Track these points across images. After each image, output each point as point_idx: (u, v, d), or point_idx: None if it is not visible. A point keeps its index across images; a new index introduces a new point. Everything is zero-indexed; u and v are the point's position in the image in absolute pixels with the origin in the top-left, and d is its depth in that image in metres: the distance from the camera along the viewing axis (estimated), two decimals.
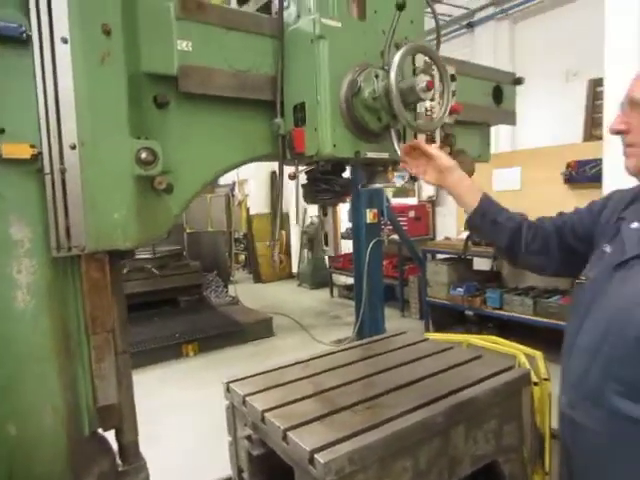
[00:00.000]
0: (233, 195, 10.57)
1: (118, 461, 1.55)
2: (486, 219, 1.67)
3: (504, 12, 6.68)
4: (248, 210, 11.47)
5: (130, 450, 1.54)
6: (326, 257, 9.90)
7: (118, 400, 1.42)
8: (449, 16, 7.08)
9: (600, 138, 4.73)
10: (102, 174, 1.25)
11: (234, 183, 11.05)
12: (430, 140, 1.70)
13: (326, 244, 1.78)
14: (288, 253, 11.36)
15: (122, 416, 1.48)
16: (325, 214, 1.76)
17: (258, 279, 11.11)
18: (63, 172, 1.21)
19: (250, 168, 10.94)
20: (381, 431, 1.60)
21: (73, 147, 1.22)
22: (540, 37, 6.40)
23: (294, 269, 11.22)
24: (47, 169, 1.21)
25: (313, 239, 9.87)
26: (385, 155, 1.62)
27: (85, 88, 1.22)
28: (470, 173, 1.82)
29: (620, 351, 1.31)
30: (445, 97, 1.57)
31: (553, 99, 6.16)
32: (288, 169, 1.67)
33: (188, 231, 8.80)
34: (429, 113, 1.54)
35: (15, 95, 1.20)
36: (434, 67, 1.55)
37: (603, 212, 1.57)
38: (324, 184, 1.68)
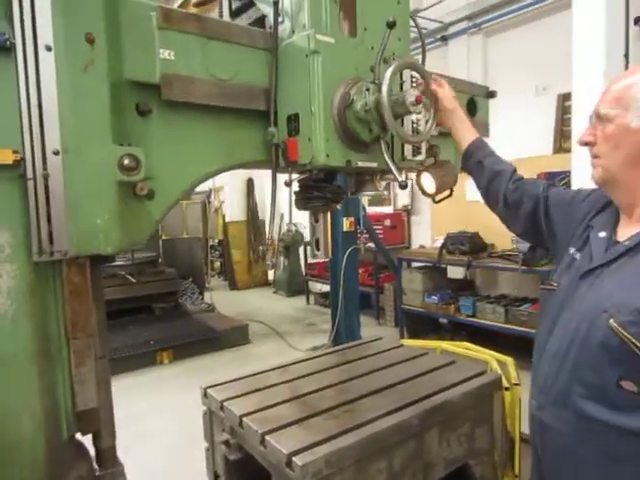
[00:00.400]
0: (209, 202, 10.54)
1: (95, 466, 1.55)
2: (473, 159, 1.78)
3: (477, 26, 6.84)
4: (224, 217, 11.43)
5: (108, 455, 1.54)
6: (302, 264, 9.94)
7: (97, 404, 1.43)
8: (424, 29, 7.22)
9: (569, 151, 4.88)
10: (85, 180, 1.26)
11: (210, 190, 11.01)
12: (416, 151, 1.76)
13: (317, 249, 1.83)
14: (264, 260, 11.35)
15: (100, 421, 1.48)
16: (317, 220, 1.81)
17: (234, 286, 11.06)
18: (46, 178, 1.22)
19: (226, 175, 10.91)
20: (358, 434, 1.64)
21: (56, 153, 1.23)
22: (511, 52, 6.57)
23: (270, 276, 11.21)
24: (30, 175, 1.22)
25: (289, 246, 9.89)
26: (374, 164, 1.68)
27: (68, 95, 1.23)
28: (453, 183, 1.89)
29: (585, 356, 1.36)
30: (433, 110, 1.65)
31: (524, 112, 6.31)
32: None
33: (164, 238, 8.72)
34: (415, 125, 1.61)
35: None
36: (421, 81, 1.61)
37: (582, 205, 1.62)
38: (316, 191, 1.73)
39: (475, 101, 2.19)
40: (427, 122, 1.67)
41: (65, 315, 1.37)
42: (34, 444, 1.32)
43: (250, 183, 11.33)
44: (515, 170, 1.78)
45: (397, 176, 1.56)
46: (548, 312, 1.55)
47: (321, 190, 1.73)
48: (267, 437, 1.63)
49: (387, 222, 7.72)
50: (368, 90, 1.52)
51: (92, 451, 1.57)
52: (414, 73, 1.60)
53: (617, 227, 1.47)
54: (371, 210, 8.05)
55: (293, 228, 9.68)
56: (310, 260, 9.46)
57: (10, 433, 1.29)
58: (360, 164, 1.64)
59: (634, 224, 1.41)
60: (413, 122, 1.61)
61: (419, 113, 1.56)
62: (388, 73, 1.46)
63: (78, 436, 1.50)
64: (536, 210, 1.69)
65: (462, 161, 1.83)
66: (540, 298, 1.66)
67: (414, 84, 1.60)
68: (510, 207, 1.74)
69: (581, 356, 1.37)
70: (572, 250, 1.55)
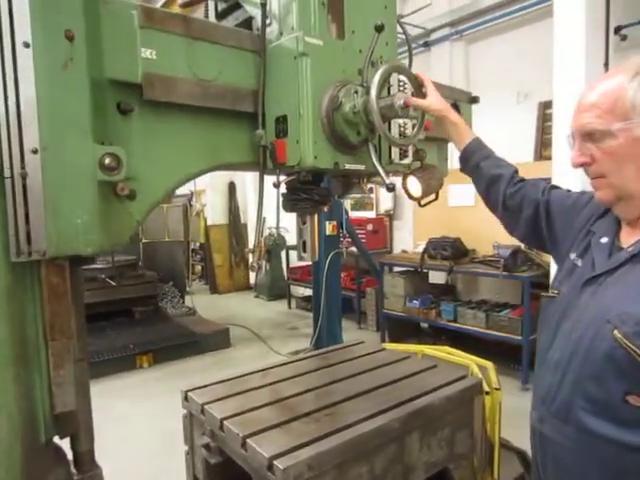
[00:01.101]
0: (191, 205, 10.45)
1: (73, 470, 1.52)
2: (470, 163, 1.74)
3: (459, 33, 6.91)
4: (205, 221, 11.36)
5: (86, 458, 1.51)
6: (284, 269, 9.91)
7: (76, 407, 1.40)
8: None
9: (549, 158, 4.95)
10: (64, 179, 1.24)
11: (192, 193, 10.93)
12: (403, 154, 1.77)
13: (304, 251, 1.83)
14: (246, 264, 11.30)
15: (79, 424, 1.45)
16: (304, 222, 1.81)
17: (215, 290, 11.00)
18: (24, 176, 1.19)
19: (207, 178, 10.85)
20: (339, 437, 1.62)
21: (35, 151, 1.20)
22: (493, 59, 6.65)
23: (251, 280, 11.17)
24: (7, 173, 1.19)
25: (271, 250, 9.86)
26: (362, 167, 1.69)
27: (47, 93, 1.21)
28: (439, 187, 1.90)
29: (588, 368, 1.30)
30: (420, 114, 1.66)
31: (505, 119, 6.39)
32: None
33: (144, 241, 8.61)
34: (402, 129, 1.62)
35: None
36: (407, 86, 1.62)
37: (584, 210, 1.56)
38: (304, 193, 1.73)
39: (458, 106, 2.20)
40: (414, 126, 1.68)
41: (43, 317, 1.34)
42: (10, 447, 1.29)
43: (232, 187, 11.28)
44: (516, 171, 1.73)
45: (384, 179, 1.56)
46: (549, 321, 1.49)
47: (309, 192, 1.73)
48: (248, 440, 1.61)
49: (369, 226, 7.75)
50: (356, 93, 1.53)
51: (70, 455, 1.54)
52: (402, 77, 1.61)
53: (619, 232, 1.41)
54: (354, 214, 8.07)
55: (275, 232, 9.66)
56: (294, 264, 9.45)
57: None
58: (348, 166, 1.65)
59: (638, 229, 1.36)
60: (400, 126, 1.62)
61: (406, 117, 1.57)
62: (377, 76, 1.47)
63: (56, 440, 1.48)
64: (537, 215, 1.63)
65: (460, 164, 1.80)
66: (542, 306, 1.59)
67: (401, 88, 1.61)
68: (510, 212, 1.69)
69: (584, 368, 1.31)
70: (573, 256, 1.49)
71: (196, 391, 2.06)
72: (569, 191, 1.69)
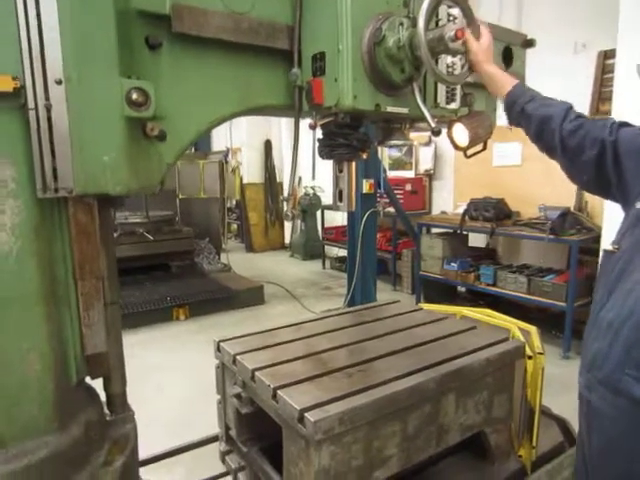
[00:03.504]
0: (227, 162, 10.42)
1: (106, 411, 1.53)
2: (515, 109, 1.58)
3: None
4: (241, 179, 11.35)
5: (118, 401, 1.52)
6: (319, 229, 9.86)
7: (107, 349, 1.38)
8: None
9: (607, 113, 4.60)
10: (90, 113, 1.18)
11: (228, 150, 10.90)
12: (450, 98, 1.64)
13: (340, 200, 1.73)
14: (281, 223, 11.30)
15: (110, 366, 1.45)
16: (341, 170, 1.71)
17: (250, 248, 11.09)
18: (49, 108, 1.14)
19: (243, 136, 10.78)
20: (373, 394, 1.58)
21: (59, 82, 1.14)
22: (548, 5, 6.20)
23: (286, 240, 11.18)
24: (31, 104, 1.14)
25: (306, 210, 9.80)
26: (405, 110, 1.57)
27: (69, 18, 1.13)
28: (487, 136, 1.75)
29: None
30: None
31: (559, 71, 5.95)
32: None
33: (181, 197, 8.68)
34: (450, 70, 1.48)
35: None
36: (457, 20, 1.47)
37: None
38: (341, 138, 1.62)
39: (511, 50, 2.03)
40: (463, 67, 1.54)
41: (72, 256, 1.32)
42: (43, 384, 1.29)
43: (268, 145, 11.18)
44: (570, 108, 1.51)
45: (430, 122, 1.44)
46: (606, 276, 1.36)
47: (347, 137, 1.62)
48: (279, 392, 1.59)
49: (408, 186, 7.54)
50: (402, 25, 1.40)
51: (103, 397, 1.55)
52: (451, 11, 1.46)
53: None
54: (392, 174, 7.88)
55: (311, 192, 9.57)
56: (329, 224, 9.40)
57: (17, 374, 1.25)
58: (390, 109, 1.52)
59: None
60: (448, 66, 1.49)
61: (457, 53, 1.43)
62: (425, 4, 1.34)
63: (90, 381, 1.49)
64: (602, 156, 1.42)
65: (506, 116, 1.63)
66: (601, 261, 1.45)
67: (451, 22, 1.46)
68: (569, 153, 1.47)
69: (638, 334, 1.20)
70: (639, 205, 1.32)
71: (228, 342, 2.04)
72: None
